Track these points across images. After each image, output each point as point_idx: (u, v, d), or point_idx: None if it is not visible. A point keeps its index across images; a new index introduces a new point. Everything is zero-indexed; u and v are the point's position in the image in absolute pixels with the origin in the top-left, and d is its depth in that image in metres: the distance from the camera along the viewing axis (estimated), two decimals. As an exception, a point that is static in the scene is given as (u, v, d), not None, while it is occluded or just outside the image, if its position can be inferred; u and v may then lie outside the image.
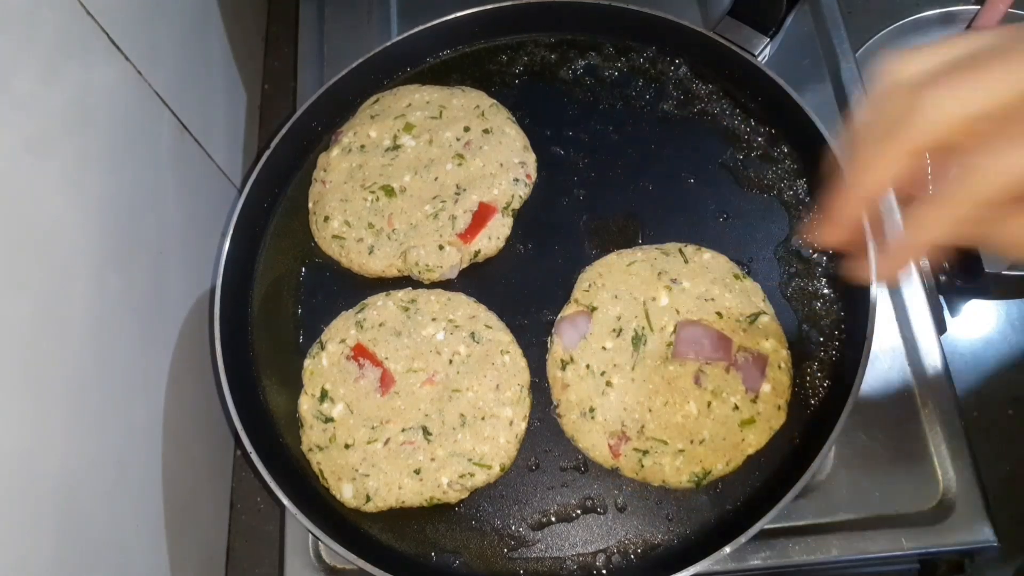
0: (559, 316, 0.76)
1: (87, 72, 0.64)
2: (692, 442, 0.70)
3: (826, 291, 0.77)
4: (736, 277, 0.76)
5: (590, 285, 0.77)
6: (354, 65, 0.87)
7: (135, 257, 0.70)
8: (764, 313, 0.74)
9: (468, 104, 0.86)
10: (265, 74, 1.09)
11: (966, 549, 0.72)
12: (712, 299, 0.74)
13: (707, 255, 0.77)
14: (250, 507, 0.86)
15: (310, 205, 0.84)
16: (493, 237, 0.79)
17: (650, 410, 0.71)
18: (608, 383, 0.72)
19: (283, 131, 0.84)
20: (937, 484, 0.74)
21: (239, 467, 0.88)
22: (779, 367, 0.72)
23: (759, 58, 0.84)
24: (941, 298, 0.82)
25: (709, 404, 0.71)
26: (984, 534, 0.71)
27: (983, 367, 1.01)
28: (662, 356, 0.73)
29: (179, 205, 0.80)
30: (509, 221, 0.80)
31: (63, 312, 0.58)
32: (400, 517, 0.72)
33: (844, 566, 0.73)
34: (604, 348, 0.74)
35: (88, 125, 0.64)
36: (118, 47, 0.69)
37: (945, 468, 0.74)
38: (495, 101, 0.86)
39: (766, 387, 0.71)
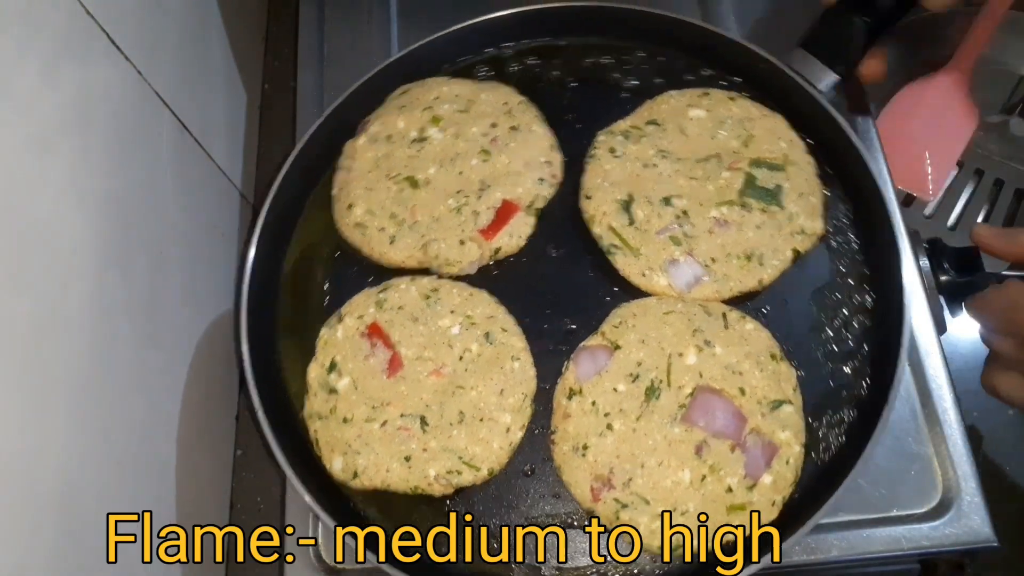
0: (581, 344, 0.75)
1: (87, 72, 0.64)
2: (675, 510, 0.68)
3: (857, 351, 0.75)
4: (773, 357, 0.73)
5: (621, 322, 0.75)
6: (393, 59, 0.87)
7: (135, 257, 0.70)
8: (790, 403, 0.71)
9: (496, 100, 0.86)
10: (265, 74, 1.09)
11: (966, 549, 0.72)
12: (740, 373, 0.72)
13: (750, 326, 0.74)
14: (250, 507, 0.86)
15: (334, 192, 0.84)
16: (514, 235, 0.79)
17: (642, 465, 0.69)
18: (609, 426, 0.71)
19: (329, 109, 0.85)
20: (937, 484, 0.74)
21: (239, 467, 0.88)
22: (787, 462, 0.69)
23: (822, 95, 0.82)
24: (941, 298, 0.82)
25: (703, 478, 0.69)
26: (984, 534, 0.71)
27: (983, 367, 1.01)
28: (671, 415, 0.71)
29: (179, 205, 0.80)
30: (532, 220, 0.80)
31: (63, 312, 0.58)
32: (393, 502, 0.72)
33: (844, 566, 0.73)
34: (615, 390, 0.72)
35: (88, 125, 0.64)
36: (118, 47, 0.69)
37: (945, 468, 0.74)
38: (524, 98, 0.86)
39: (767, 479, 0.69)
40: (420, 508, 0.72)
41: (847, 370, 0.74)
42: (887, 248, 0.75)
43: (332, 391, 0.74)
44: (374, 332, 0.75)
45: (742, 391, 0.71)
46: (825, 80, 0.82)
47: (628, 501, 0.68)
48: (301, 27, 1.02)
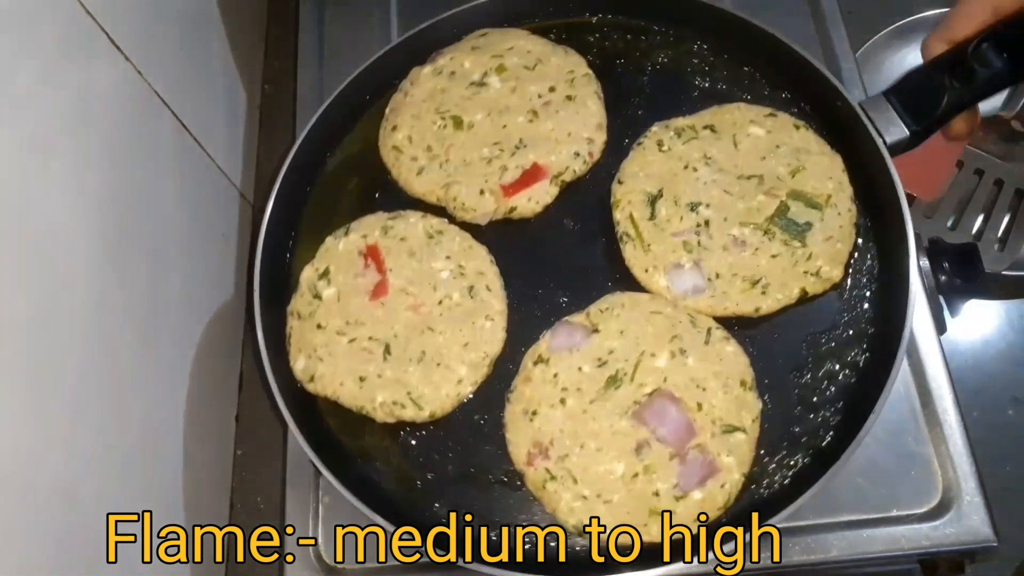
0: (564, 319, 0.76)
1: (87, 72, 0.64)
2: (599, 496, 0.69)
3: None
4: (742, 384, 0.72)
5: (608, 308, 0.75)
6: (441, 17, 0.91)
7: (135, 257, 0.70)
8: (744, 432, 0.70)
9: (563, 66, 0.87)
10: (265, 74, 1.09)
11: (966, 549, 0.72)
12: (704, 389, 0.72)
13: (731, 348, 0.73)
14: (250, 507, 0.86)
15: (387, 110, 0.88)
16: (533, 200, 0.81)
17: (581, 446, 0.70)
18: (563, 400, 0.72)
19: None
20: (937, 484, 0.74)
21: (239, 467, 0.88)
22: (722, 486, 0.69)
23: (886, 147, 0.77)
24: (941, 298, 0.82)
25: (635, 475, 0.69)
26: (984, 534, 0.71)
27: (983, 367, 1.02)
28: (623, 408, 0.71)
29: (179, 205, 0.80)
30: (555, 191, 0.82)
31: (63, 311, 0.58)
32: (357, 420, 0.76)
33: (844, 566, 0.73)
34: (580, 369, 0.73)
35: (88, 125, 0.64)
36: (118, 47, 0.69)
37: (945, 468, 0.74)
38: (590, 72, 0.86)
39: (697, 494, 0.68)
40: (370, 427, 0.76)
41: (815, 419, 0.73)
42: (897, 315, 0.72)
43: (317, 296, 0.79)
44: (371, 254, 0.80)
45: (700, 406, 0.71)
46: (894, 134, 0.77)
47: (558, 474, 0.70)
48: (301, 27, 1.02)
